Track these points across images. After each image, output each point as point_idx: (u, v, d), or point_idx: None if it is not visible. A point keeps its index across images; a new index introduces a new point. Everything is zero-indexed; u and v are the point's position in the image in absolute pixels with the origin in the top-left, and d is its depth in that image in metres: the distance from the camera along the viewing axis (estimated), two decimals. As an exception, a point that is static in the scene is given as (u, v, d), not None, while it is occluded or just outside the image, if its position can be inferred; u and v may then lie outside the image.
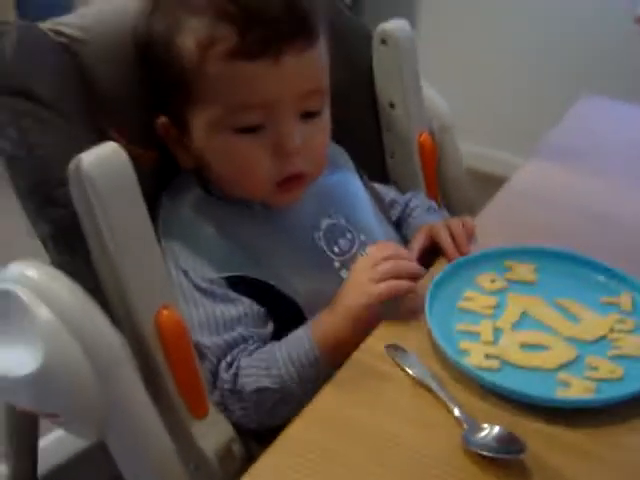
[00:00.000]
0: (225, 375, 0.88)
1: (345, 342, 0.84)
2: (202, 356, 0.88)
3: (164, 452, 0.86)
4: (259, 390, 0.86)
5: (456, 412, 0.73)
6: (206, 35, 0.85)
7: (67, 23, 0.93)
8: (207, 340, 0.88)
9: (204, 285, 0.90)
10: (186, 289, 0.91)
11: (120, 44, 0.95)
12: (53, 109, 0.87)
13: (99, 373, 0.78)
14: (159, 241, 0.90)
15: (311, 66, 0.90)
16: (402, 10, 2.78)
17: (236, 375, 0.87)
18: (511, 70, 2.83)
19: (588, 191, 1.16)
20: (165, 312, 0.84)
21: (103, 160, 0.79)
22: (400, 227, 1.15)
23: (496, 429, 0.71)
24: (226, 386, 0.88)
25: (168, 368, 0.85)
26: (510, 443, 0.69)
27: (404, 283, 0.86)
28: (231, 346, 0.89)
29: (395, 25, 1.19)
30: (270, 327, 0.92)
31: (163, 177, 0.98)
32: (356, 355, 0.82)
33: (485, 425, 0.71)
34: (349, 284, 0.88)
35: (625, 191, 1.16)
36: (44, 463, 1.30)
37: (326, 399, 0.77)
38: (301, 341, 0.87)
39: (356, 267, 0.90)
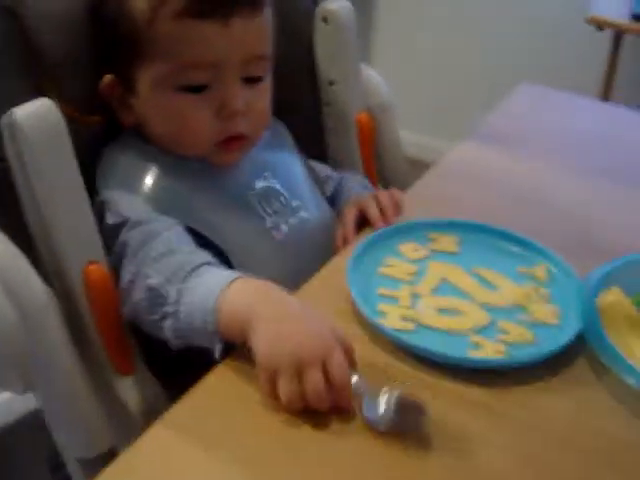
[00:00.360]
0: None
1: None
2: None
3: (87, 405, 0.88)
4: (154, 293, 0.81)
5: (354, 379, 0.70)
6: None
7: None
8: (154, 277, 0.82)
9: (136, 218, 0.89)
10: (119, 231, 0.89)
11: (65, 7, 0.95)
12: None
13: (24, 319, 0.80)
14: (97, 194, 0.92)
15: (258, 32, 0.93)
16: None
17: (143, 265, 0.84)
18: (456, 57, 2.87)
19: (520, 174, 1.19)
20: (92, 267, 0.86)
21: (37, 115, 0.81)
22: (334, 202, 1.17)
23: (395, 395, 0.68)
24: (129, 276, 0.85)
25: (95, 323, 0.87)
26: (409, 408, 0.69)
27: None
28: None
29: (337, 4, 1.20)
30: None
31: (108, 140, 0.99)
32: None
33: (385, 389, 0.69)
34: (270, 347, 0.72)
35: (557, 176, 1.20)
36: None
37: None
38: (206, 312, 0.76)
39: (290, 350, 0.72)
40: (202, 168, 0.97)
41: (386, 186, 1.32)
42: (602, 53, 2.44)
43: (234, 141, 0.95)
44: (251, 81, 0.94)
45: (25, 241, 0.85)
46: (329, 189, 1.18)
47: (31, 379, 0.85)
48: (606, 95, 2.41)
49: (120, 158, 0.96)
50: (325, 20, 1.20)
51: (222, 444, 0.69)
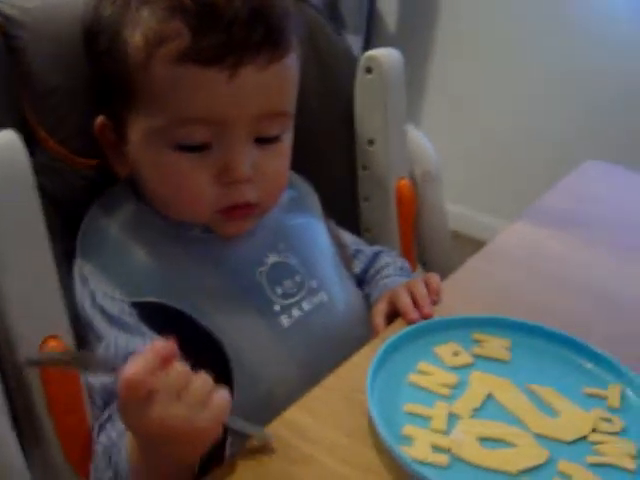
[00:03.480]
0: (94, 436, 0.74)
1: None
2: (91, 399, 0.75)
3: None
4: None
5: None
6: (156, 30, 0.72)
7: (7, 1, 0.81)
8: (95, 379, 0.74)
9: (111, 312, 0.76)
10: (89, 314, 0.77)
11: (67, 32, 0.82)
12: None
13: None
14: (75, 258, 0.80)
15: (275, 84, 0.76)
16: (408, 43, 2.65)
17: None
18: (511, 129, 2.69)
19: (580, 263, 1.00)
20: (52, 343, 0.71)
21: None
22: (363, 282, 1.00)
23: None
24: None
25: (48, 412, 0.72)
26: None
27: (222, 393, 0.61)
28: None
29: (384, 52, 1.06)
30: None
31: (101, 186, 0.85)
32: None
33: None
34: (157, 435, 0.59)
35: (623, 266, 1.00)
36: None
37: None
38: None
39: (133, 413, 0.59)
40: (203, 238, 0.81)
41: (426, 267, 1.16)
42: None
43: (239, 210, 0.79)
44: (264, 141, 0.78)
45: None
46: (360, 265, 1.02)
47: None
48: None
49: (108, 223, 0.82)
50: (369, 70, 1.05)
51: None
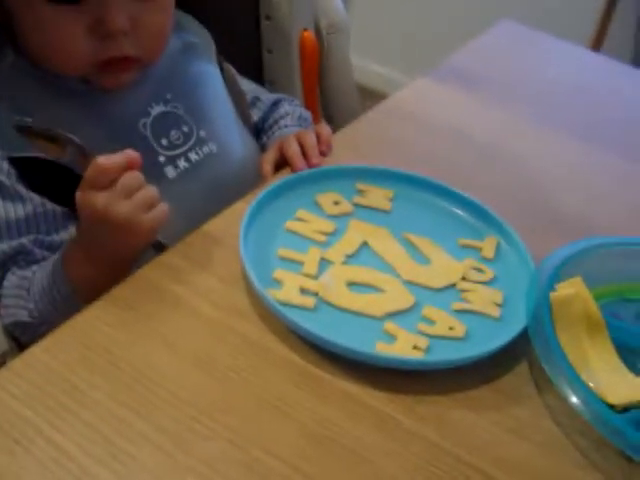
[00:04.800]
0: None
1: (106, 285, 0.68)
2: None
3: None
4: (16, 324, 0.75)
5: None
6: None
7: None
8: None
9: None
10: None
11: None
12: None
13: None
14: None
15: None
16: None
17: None
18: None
19: (480, 123, 1.00)
20: None
21: None
22: (260, 131, 0.99)
23: None
24: None
25: None
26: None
27: (163, 206, 0.69)
28: (9, 257, 0.75)
29: None
30: (70, 230, 0.76)
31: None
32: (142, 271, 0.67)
33: None
34: (99, 220, 0.67)
35: (524, 130, 1.00)
36: None
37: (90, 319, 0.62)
38: (55, 278, 0.73)
39: (91, 196, 0.67)
40: (84, 91, 0.79)
41: (330, 119, 1.15)
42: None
43: (117, 64, 0.77)
44: None
45: None
46: (257, 113, 1.00)
47: None
48: (597, 45, 2.20)
49: None
50: None
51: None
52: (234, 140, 0.89)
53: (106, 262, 0.70)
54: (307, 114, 1.02)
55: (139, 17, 0.75)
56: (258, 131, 0.99)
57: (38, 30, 0.75)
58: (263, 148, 0.95)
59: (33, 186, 0.76)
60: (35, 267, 0.74)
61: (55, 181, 0.76)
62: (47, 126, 0.72)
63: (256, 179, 0.86)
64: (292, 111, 1.00)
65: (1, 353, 0.77)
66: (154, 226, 0.68)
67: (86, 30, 0.73)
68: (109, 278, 0.67)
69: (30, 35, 0.76)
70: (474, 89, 1.07)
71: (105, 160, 0.65)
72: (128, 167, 0.66)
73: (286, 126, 0.97)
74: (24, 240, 0.74)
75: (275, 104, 1.01)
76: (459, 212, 0.78)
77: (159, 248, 0.73)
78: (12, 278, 0.74)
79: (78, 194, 0.67)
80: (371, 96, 1.27)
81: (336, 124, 1.15)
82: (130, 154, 0.67)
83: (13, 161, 0.75)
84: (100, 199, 0.65)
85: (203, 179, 0.83)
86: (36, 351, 0.59)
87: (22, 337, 0.75)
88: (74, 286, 0.71)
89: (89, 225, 0.69)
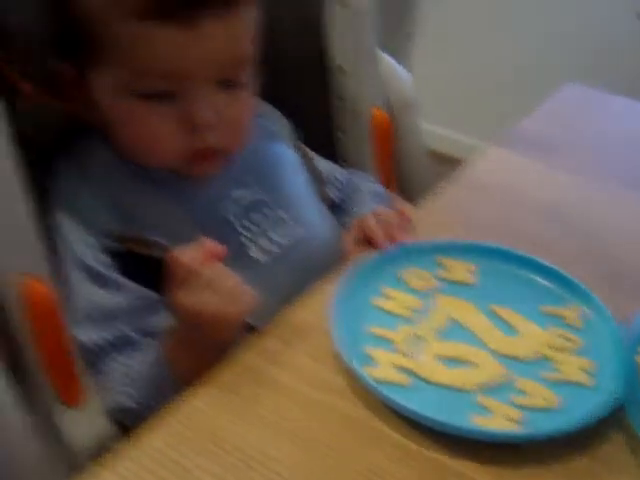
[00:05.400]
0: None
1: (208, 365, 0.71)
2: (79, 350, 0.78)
3: (19, 437, 0.74)
4: (121, 410, 0.77)
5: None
6: None
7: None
8: (85, 335, 0.77)
9: (89, 263, 0.79)
10: (69, 265, 0.79)
11: None
12: None
13: None
14: (53, 206, 0.81)
15: (234, 32, 0.76)
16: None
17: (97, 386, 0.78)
18: (498, 52, 2.66)
19: (552, 189, 1.01)
20: (32, 283, 0.72)
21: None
22: (337, 209, 1.02)
23: None
24: None
25: (33, 346, 0.74)
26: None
27: (251, 294, 0.71)
28: (110, 344, 0.78)
29: (352, -18, 1.04)
30: (165, 316, 0.80)
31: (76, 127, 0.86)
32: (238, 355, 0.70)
33: None
34: (189, 317, 0.71)
35: (594, 193, 1.02)
36: None
37: (193, 403, 0.65)
38: (157, 364, 0.76)
39: (179, 296, 0.70)
40: (172, 178, 0.83)
41: (404, 193, 1.17)
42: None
43: (204, 156, 0.80)
44: (227, 85, 0.79)
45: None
46: (334, 192, 1.02)
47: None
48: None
49: (76, 171, 0.83)
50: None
51: None
52: (315, 220, 0.92)
53: (202, 350, 0.72)
54: (382, 190, 1.05)
55: (224, 109, 0.78)
56: (336, 209, 1.01)
57: (129, 125, 0.79)
58: (342, 226, 0.98)
59: (129, 275, 0.80)
60: (136, 354, 0.78)
61: (148, 270, 0.80)
62: (136, 227, 0.78)
63: (339, 257, 0.89)
64: (368, 188, 1.03)
65: (107, 436, 0.79)
66: (243, 316, 0.71)
67: (176, 124, 0.77)
68: (207, 362, 0.69)
69: (121, 130, 0.80)
70: (548, 156, 1.09)
71: (182, 255, 0.68)
72: (210, 258, 0.69)
73: (363, 203, 1.00)
74: (124, 327, 0.78)
75: (351, 182, 1.04)
76: (541, 281, 0.79)
77: (250, 330, 0.75)
78: (114, 365, 0.77)
79: (168, 293, 0.70)
80: (437, 158, 1.29)
81: (410, 196, 1.17)
82: (208, 245, 0.69)
83: (109, 252, 0.79)
84: (187, 298, 0.68)
85: (291, 261, 0.86)
86: (143, 434, 0.62)
87: (125, 421, 0.78)
88: (175, 371, 0.74)
89: (181, 321, 0.72)
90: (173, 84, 0.75)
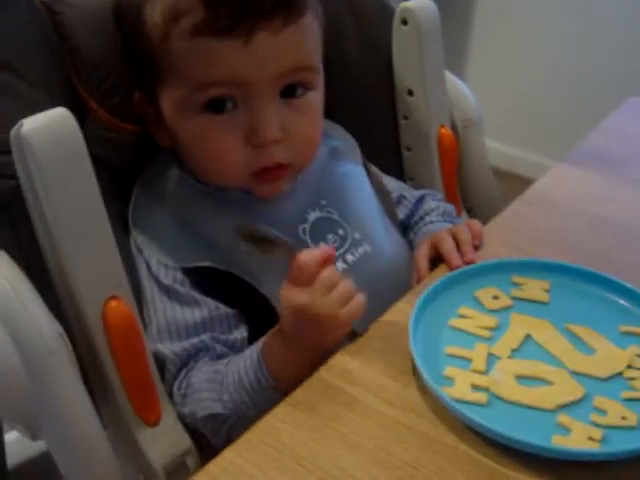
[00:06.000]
0: (176, 395, 0.80)
1: (304, 373, 0.72)
2: (162, 365, 0.81)
3: (102, 456, 0.76)
4: (210, 416, 0.78)
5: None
6: (171, 7, 0.75)
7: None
8: (165, 348, 0.80)
9: (166, 282, 0.82)
10: (147, 284, 0.82)
11: (107, 8, 0.86)
12: (11, 70, 0.78)
13: (27, 363, 0.70)
14: (131, 229, 0.85)
15: (291, 46, 0.78)
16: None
17: (184, 397, 0.80)
18: (555, 66, 2.66)
19: (622, 204, 1.01)
20: (113, 303, 0.75)
21: (47, 125, 0.70)
22: (407, 228, 1.03)
23: None
24: (178, 408, 0.80)
25: (114, 365, 0.76)
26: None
27: (360, 298, 0.74)
28: (191, 355, 0.80)
29: (418, 4, 1.06)
30: (242, 331, 0.82)
31: (149, 151, 0.90)
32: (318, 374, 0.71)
33: None
34: (302, 316, 0.72)
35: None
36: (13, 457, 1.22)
37: (275, 422, 0.66)
38: (254, 368, 0.76)
39: (295, 294, 0.72)
40: (244, 200, 0.85)
41: (470, 208, 1.18)
42: None
43: (272, 172, 0.82)
44: (290, 95, 0.80)
45: (37, 268, 0.75)
46: (404, 211, 1.04)
47: (37, 428, 0.74)
48: None
49: (154, 192, 0.87)
50: (404, 22, 1.06)
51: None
52: (384, 239, 0.93)
53: (305, 351, 0.74)
54: (451, 208, 1.05)
55: (290, 123, 0.80)
56: (405, 228, 1.02)
57: (197, 142, 0.81)
58: (410, 245, 0.99)
59: (204, 291, 0.82)
60: (223, 360, 0.79)
61: (223, 285, 0.82)
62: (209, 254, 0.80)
63: (407, 276, 0.90)
64: (437, 206, 1.04)
65: (182, 452, 0.81)
66: (352, 318, 0.73)
67: (241, 139, 0.79)
68: (307, 366, 0.72)
69: (190, 149, 0.82)
70: (615, 171, 1.09)
71: (304, 257, 0.70)
72: (325, 262, 0.71)
73: (432, 222, 1.00)
74: (204, 337, 0.80)
75: (420, 200, 1.05)
76: (616, 299, 0.79)
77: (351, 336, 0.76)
78: (200, 374, 0.79)
79: (282, 291, 0.72)
80: (500, 175, 1.29)
81: (477, 214, 1.18)
82: (327, 250, 0.72)
83: (185, 270, 0.82)
84: (302, 296, 0.70)
85: (359, 279, 0.87)
86: (227, 454, 0.63)
87: (211, 430, 0.79)
88: (272, 374, 0.75)
89: (291, 319, 0.73)
90: (233, 89, 0.77)
